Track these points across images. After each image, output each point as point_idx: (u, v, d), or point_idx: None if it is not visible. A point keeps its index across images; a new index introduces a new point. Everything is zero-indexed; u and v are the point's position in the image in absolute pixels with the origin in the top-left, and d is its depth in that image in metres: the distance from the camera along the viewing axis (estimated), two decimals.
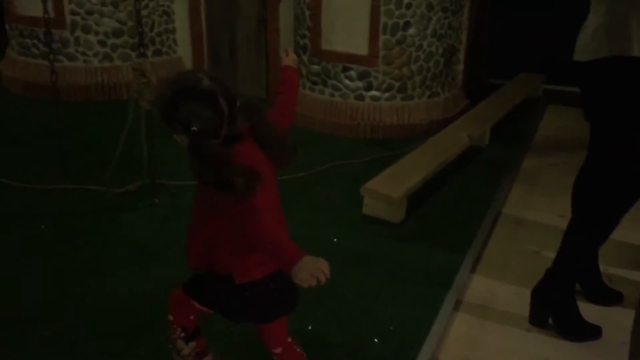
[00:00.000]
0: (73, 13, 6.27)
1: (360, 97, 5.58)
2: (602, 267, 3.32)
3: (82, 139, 5.37)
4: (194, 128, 1.85)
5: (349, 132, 5.58)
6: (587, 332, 3.05)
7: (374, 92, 5.56)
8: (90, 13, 6.28)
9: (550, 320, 3.10)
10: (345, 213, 4.18)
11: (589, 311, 3.11)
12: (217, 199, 1.93)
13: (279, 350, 2.29)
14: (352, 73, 5.51)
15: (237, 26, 6.67)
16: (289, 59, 2.46)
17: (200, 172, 1.88)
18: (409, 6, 5.29)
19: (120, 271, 3.40)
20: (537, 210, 4.38)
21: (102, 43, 6.43)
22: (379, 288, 3.34)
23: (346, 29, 5.43)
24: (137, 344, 2.82)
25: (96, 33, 6.38)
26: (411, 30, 5.39)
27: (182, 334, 2.26)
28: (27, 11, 6.39)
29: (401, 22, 5.34)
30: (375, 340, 2.90)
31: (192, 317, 2.27)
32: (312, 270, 1.80)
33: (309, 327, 2.98)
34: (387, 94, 5.57)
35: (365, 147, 5.36)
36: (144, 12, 6.53)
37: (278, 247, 1.85)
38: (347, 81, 5.56)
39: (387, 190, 4.02)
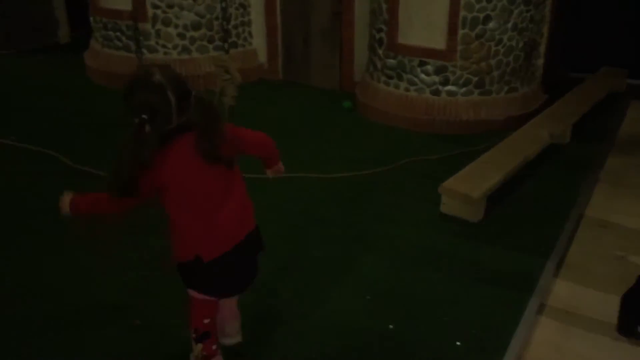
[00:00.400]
0: (154, 6, 6.45)
1: (437, 92, 5.51)
2: None
3: None
4: (144, 116, 2.04)
5: (424, 127, 5.53)
6: None
7: (450, 87, 5.48)
8: (170, 6, 6.44)
9: (639, 329, 3.00)
10: (422, 211, 4.16)
11: None
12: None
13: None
14: (429, 67, 5.45)
15: (312, 18, 6.70)
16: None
17: (124, 152, 2.08)
18: None
19: None
20: (622, 213, 4.22)
21: (181, 36, 6.60)
22: (458, 289, 3.31)
23: (424, 22, 5.36)
24: None
25: (176, 26, 6.54)
26: (491, 24, 5.27)
27: (193, 335, 2.48)
28: (110, 4, 6.62)
29: (481, 15, 5.23)
30: (458, 343, 2.88)
31: (205, 322, 2.47)
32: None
33: (390, 327, 2.99)
34: (464, 89, 5.48)
35: (441, 143, 5.30)
36: (222, 4, 6.67)
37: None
38: (423, 75, 5.50)
39: (466, 190, 3.97)
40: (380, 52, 5.75)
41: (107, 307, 3.16)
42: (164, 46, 6.62)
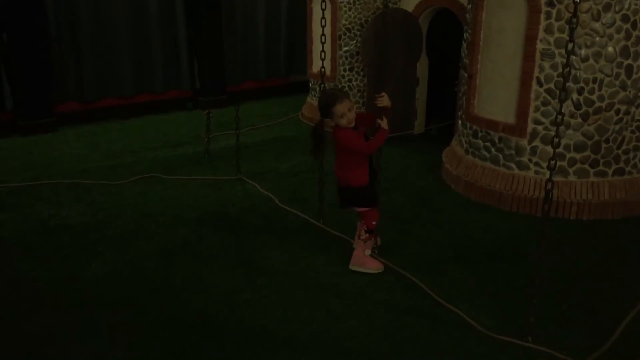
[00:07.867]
0: (536, 122, 5.82)
1: None
2: None
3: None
4: (323, 117, 4.34)
5: None
6: None
7: None
8: (554, 124, 5.73)
9: None
10: None
11: None
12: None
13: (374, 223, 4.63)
14: None
15: None
16: (384, 122, 4.38)
17: (314, 132, 4.43)
18: None
19: None
20: None
21: (559, 156, 5.83)
22: None
23: None
24: None
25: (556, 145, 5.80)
26: None
27: (365, 228, 4.57)
28: (487, 114, 6.21)
29: None
30: None
31: (373, 222, 4.58)
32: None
33: None
34: None
35: None
36: (615, 127, 5.74)
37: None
38: None
39: None
40: None
41: None
42: (537, 164, 5.93)
